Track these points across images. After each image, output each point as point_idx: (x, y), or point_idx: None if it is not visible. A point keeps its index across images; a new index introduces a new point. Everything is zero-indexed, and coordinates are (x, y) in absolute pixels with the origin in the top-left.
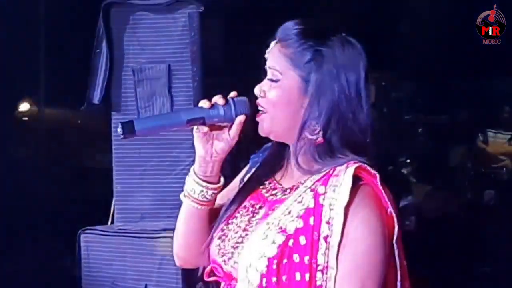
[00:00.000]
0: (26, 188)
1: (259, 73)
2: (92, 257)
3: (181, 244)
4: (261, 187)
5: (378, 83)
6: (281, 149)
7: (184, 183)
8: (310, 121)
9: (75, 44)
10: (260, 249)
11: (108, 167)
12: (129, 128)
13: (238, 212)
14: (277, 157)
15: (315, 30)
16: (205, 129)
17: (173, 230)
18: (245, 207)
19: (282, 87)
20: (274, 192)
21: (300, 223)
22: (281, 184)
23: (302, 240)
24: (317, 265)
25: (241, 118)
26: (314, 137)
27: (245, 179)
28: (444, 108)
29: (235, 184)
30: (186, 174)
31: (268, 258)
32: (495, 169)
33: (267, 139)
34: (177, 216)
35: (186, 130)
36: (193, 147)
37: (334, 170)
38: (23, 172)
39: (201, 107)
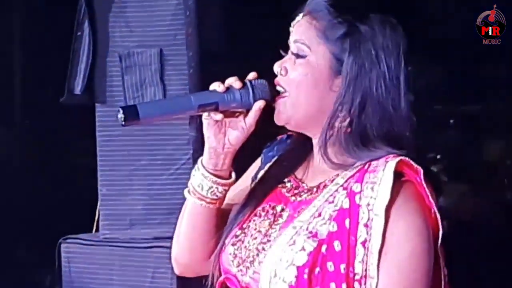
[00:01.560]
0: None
1: (266, 58)
2: (74, 269)
3: (184, 248)
4: (280, 185)
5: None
6: (302, 141)
7: (180, 184)
8: (342, 106)
9: (53, 27)
10: (288, 256)
11: (92, 166)
12: (131, 114)
13: (255, 215)
14: (297, 151)
15: (351, 5)
16: (219, 116)
17: (167, 238)
18: (263, 209)
19: (309, 64)
20: (296, 191)
21: (333, 226)
22: (304, 183)
23: (337, 245)
24: (355, 274)
25: (260, 104)
26: (344, 125)
27: (259, 176)
28: (479, 97)
29: (245, 182)
30: (182, 174)
31: (298, 267)
32: None
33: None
34: (176, 218)
35: (181, 123)
36: (189, 143)
37: (369, 165)
38: None
39: (214, 91)
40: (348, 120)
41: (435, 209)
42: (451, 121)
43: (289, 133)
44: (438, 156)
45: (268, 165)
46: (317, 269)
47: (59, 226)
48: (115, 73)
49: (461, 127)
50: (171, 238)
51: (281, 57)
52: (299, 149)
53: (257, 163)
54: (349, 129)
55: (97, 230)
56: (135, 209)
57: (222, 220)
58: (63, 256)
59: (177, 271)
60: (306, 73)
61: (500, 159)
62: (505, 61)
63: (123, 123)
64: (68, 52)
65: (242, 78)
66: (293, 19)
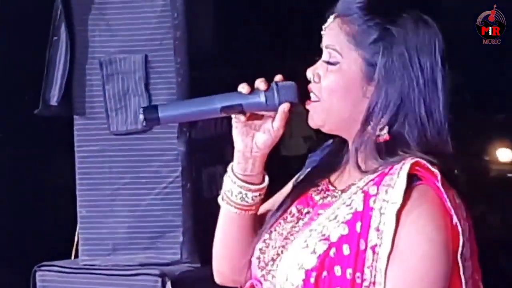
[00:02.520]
0: None
1: (262, 63)
2: None
3: (221, 257)
4: (313, 189)
5: None
6: (342, 146)
7: (167, 204)
8: (375, 113)
9: (26, 31)
10: (299, 259)
11: (70, 185)
12: (151, 114)
13: (283, 219)
14: (335, 155)
15: (383, 5)
16: (242, 118)
17: (153, 265)
18: (290, 212)
19: (341, 72)
20: (325, 194)
21: (344, 230)
22: (334, 186)
23: (346, 249)
24: (363, 280)
25: (284, 107)
26: (378, 132)
27: (299, 180)
28: (501, 107)
29: (286, 188)
30: (170, 194)
31: (306, 271)
32: None
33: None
34: (162, 243)
35: (169, 137)
36: (177, 159)
37: (391, 169)
38: None
39: (240, 93)
40: (380, 127)
41: (453, 215)
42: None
43: (334, 138)
44: (456, 171)
45: (308, 169)
46: (324, 273)
47: (34, 252)
48: (95, 82)
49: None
50: (157, 264)
51: (275, 59)
52: (337, 153)
53: (302, 171)
54: (381, 137)
55: (76, 256)
56: (118, 232)
57: (260, 227)
58: (38, 285)
59: (217, 280)
60: (338, 81)
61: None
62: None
63: (144, 124)
64: (44, 59)
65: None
66: (325, 20)
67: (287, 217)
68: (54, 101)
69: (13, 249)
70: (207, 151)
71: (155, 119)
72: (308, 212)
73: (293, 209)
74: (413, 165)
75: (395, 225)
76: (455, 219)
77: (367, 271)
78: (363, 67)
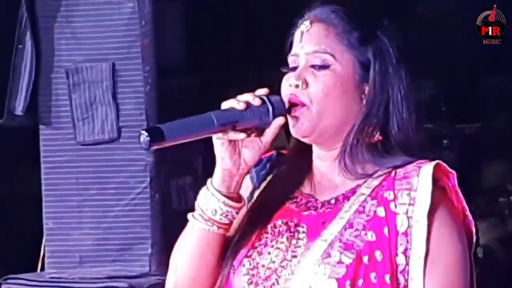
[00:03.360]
0: None
1: (231, 72)
2: None
3: (187, 279)
4: (288, 202)
5: None
6: (300, 157)
7: (135, 216)
8: (370, 115)
9: None
10: (324, 270)
11: (36, 197)
12: (156, 135)
13: (266, 233)
14: (297, 167)
15: (364, 11)
16: (242, 135)
17: (121, 277)
18: (275, 225)
19: (336, 74)
20: (309, 205)
21: (372, 236)
22: (314, 197)
23: (379, 255)
24: (399, 285)
25: (279, 121)
26: (370, 134)
27: (255, 196)
28: (476, 114)
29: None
30: (138, 205)
31: (338, 279)
32: None
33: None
34: (130, 255)
35: (136, 147)
36: (146, 170)
37: (395, 173)
38: None
39: (233, 108)
40: (373, 128)
41: (468, 213)
42: (445, 141)
43: (279, 151)
44: None
45: (264, 183)
46: (361, 281)
47: None
48: (61, 91)
49: (457, 148)
50: (125, 277)
51: (252, 68)
52: (299, 165)
53: (247, 183)
54: (374, 138)
55: (42, 269)
56: (85, 244)
57: (228, 246)
58: None
59: None
60: (334, 83)
61: (502, 184)
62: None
63: (148, 146)
64: (8, 68)
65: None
66: (293, 29)
67: (272, 231)
68: (19, 111)
69: None
70: (176, 162)
71: (161, 140)
72: (297, 225)
73: (276, 222)
74: (435, 168)
75: (426, 228)
76: (470, 218)
77: (400, 276)
78: (356, 68)
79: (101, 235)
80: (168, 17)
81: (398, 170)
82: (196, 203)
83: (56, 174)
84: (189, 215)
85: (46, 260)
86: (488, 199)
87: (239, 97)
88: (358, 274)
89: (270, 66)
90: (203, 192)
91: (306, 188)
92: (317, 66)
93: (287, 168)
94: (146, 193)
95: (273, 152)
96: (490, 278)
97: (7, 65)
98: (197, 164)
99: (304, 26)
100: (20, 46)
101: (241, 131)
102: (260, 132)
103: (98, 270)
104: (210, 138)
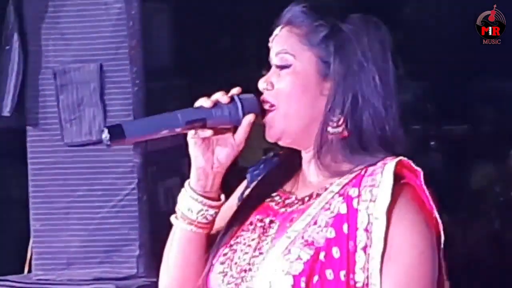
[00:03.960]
0: None
1: (218, 74)
2: None
3: (175, 279)
4: (268, 200)
5: None
6: (290, 158)
7: (123, 217)
8: (334, 109)
9: None
10: (283, 266)
11: (23, 198)
12: (117, 133)
13: (243, 230)
14: (285, 167)
15: (330, 6)
16: (209, 132)
17: (108, 279)
18: (251, 223)
19: (296, 72)
20: (287, 202)
21: (331, 233)
22: (293, 195)
23: (336, 252)
24: (356, 282)
25: (250, 118)
26: (338, 130)
27: (245, 194)
28: (463, 116)
29: (232, 203)
30: (126, 206)
31: (294, 276)
32: None
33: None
34: (118, 256)
35: (124, 148)
36: (133, 171)
37: (366, 170)
38: None
39: (201, 107)
40: (341, 124)
41: (436, 213)
42: (432, 143)
43: (277, 152)
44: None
45: (253, 183)
46: (316, 277)
47: None
48: (48, 92)
49: (443, 150)
50: (113, 279)
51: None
52: (287, 165)
53: (243, 184)
54: (343, 134)
55: (29, 271)
56: (72, 246)
57: (212, 246)
58: None
59: None
60: (294, 81)
61: (487, 186)
62: (493, 76)
63: (109, 143)
64: None
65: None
66: (271, 35)
67: (248, 228)
68: (6, 112)
69: None
70: (163, 163)
71: (121, 137)
72: (272, 222)
73: (253, 220)
74: (398, 164)
75: (386, 224)
76: (435, 214)
77: (359, 272)
78: (317, 65)
79: (88, 236)
80: (156, 18)
81: (369, 168)
82: (177, 204)
83: (43, 176)
84: (172, 217)
85: (33, 262)
86: (475, 200)
87: (213, 96)
88: (314, 270)
89: (257, 67)
90: (181, 193)
91: (288, 187)
92: (280, 66)
93: (275, 168)
94: (133, 194)
95: (270, 154)
96: (479, 278)
97: None
98: (185, 166)
99: (276, 30)
100: (7, 47)
101: (213, 129)
102: (234, 131)
103: (86, 272)
104: None
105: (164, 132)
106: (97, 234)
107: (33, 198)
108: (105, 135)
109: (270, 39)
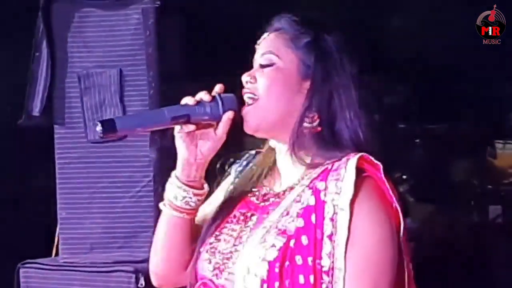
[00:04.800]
0: None
1: (226, 78)
2: None
3: (162, 260)
4: (250, 194)
5: (368, 86)
6: (268, 153)
7: (140, 206)
8: (311, 106)
9: (10, 47)
10: (259, 253)
11: (51, 190)
12: (109, 126)
13: (227, 222)
14: (264, 162)
15: (315, 20)
16: (192, 127)
17: (127, 262)
18: (234, 216)
19: (278, 69)
20: (265, 197)
21: (300, 223)
22: (272, 189)
23: (304, 240)
24: (322, 266)
25: (229, 115)
26: (313, 125)
27: (229, 189)
28: (445, 116)
29: (217, 197)
30: (143, 197)
31: (269, 262)
32: (506, 186)
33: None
34: (136, 242)
35: (142, 145)
36: (150, 165)
37: (332, 165)
38: None
39: (186, 104)
40: (316, 121)
41: (395, 203)
42: (417, 140)
43: (257, 149)
44: (404, 176)
45: (237, 179)
46: (287, 263)
47: (17, 251)
48: (73, 94)
49: (427, 147)
50: (132, 262)
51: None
52: (266, 160)
53: (228, 179)
54: (317, 130)
55: (56, 254)
56: (95, 232)
57: (197, 232)
58: (22, 281)
59: (155, 283)
60: (276, 77)
61: (467, 179)
62: (474, 79)
63: (102, 135)
64: (26, 74)
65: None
66: (259, 39)
67: (231, 221)
68: (36, 112)
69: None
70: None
71: (113, 131)
72: (253, 215)
73: (236, 213)
74: (359, 159)
75: (349, 214)
76: (395, 205)
77: (325, 258)
78: (298, 65)
79: (109, 224)
80: (170, 28)
81: (335, 163)
82: (165, 192)
83: (69, 169)
84: (160, 204)
85: (60, 247)
86: (456, 192)
87: (197, 95)
88: (286, 256)
89: None
90: (168, 182)
91: (267, 181)
92: (264, 65)
93: (256, 164)
94: (150, 186)
95: (253, 151)
96: (460, 264)
97: (25, 71)
98: None
99: (265, 35)
100: (37, 53)
101: (196, 125)
102: (216, 126)
103: (107, 255)
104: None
105: (152, 127)
106: (117, 221)
107: (60, 190)
108: (99, 127)
109: (258, 42)
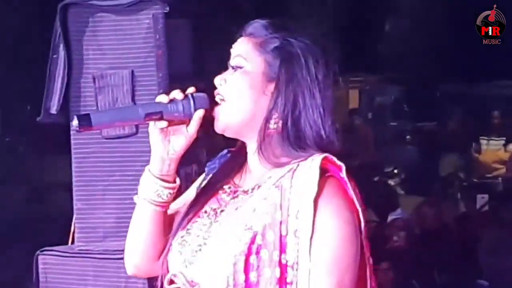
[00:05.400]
0: None
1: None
2: (51, 280)
3: (135, 250)
4: (221, 191)
5: (362, 87)
6: (239, 152)
7: None
8: (276, 108)
9: (30, 51)
10: (227, 248)
11: (68, 182)
12: (85, 121)
13: (198, 217)
14: (235, 160)
15: (286, 26)
16: (164, 124)
17: None
18: (205, 211)
19: (246, 72)
20: (235, 194)
21: (267, 219)
22: (241, 187)
23: (270, 235)
24: (287, 261)
25: (200, 113)
26: (278, 126)
27: (202, 185)
28: (433, 114)
29: (191, 192)
30: None
31: (235, 255)
32: (489, 179)
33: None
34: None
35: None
36: None
37: (298, 165)
38: None
39: (160, 102)
40: (281, 121)
41: (356, 201)
42: (408, 137)
43: (230, 148)
44: (395, 170)
45: (210, 176)
46: (253, 257)
47: (36, 239)
48: (89, 93)
49: (417, 143)
50: None
51: None
52: (236, 158)
53: (201, 177)
54: (282, 130)
55: (72, 242)
56: (108, 222)
57: (169, 225)
58: (40, 267)
59: (129, 272)
60: (243, 79)
61: (454, 172)
62: (459, 80)
63: (78, 128)
64: (45, 74)
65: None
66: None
67: (203, 216)
68: (53, 110)
69: (19, 236)
70: (184, 153)
71: (88, 125)
72: (222, 211)
73: (207, 208)
74: (322, 160)
75: (313, 211)
76: (357, 204)
77: (290, 253)
78: (264, 68)
79: (121, 214)
80: (178, 32)
81: (301, 163)
82: (139, 185)
83: (84, 163)
84: (135, 196)
85: (75, 235)
86: (443, 184)
87: (171, 93)
88: (252, 251)
89: None
90: (142, 175)
91: (237, 179)
92: (234, 67)
93: (228, 162)
94: None
95: (225, 150)
96: (448, 252)
97: (43, 72)
98: (202, 155)
99: (238, 39)
100: (55, 56)
101: (169, 122)
102: (188, 124)
103: (119, 243)
104: (216, 136)
105: (127, 122)
106: (129, 212)
107: (76, 182)
108: (75, 122)
109: (233, 46)
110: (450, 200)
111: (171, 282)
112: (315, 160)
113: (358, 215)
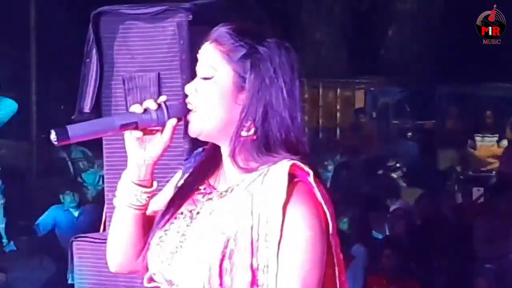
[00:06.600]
0: (22, 195)
1: None
2: (85, 264)
3: (116, 250)
4: (196, 192)
5: (367, 88)
6: (215, 152)
7: None
8: (247, 117)
9: (64, 55)
10: (200, 252)
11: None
12: (62, 134)
13: (175, 218)
14: (210, 161)
15: (251, 31)
16: (139, 134)
17: None
18: (182, 213)
19: (215, 82)
20: (210, 196)
21: (239, 224)
22: (215, 188)
23: (242, 240)
24: (258, 264)
25: (173, 122)
26: (249, 133)
27: (179, 185)
28: (433, 113)
29: (168, 191)
30: None
31: (210, 261)
32: (484, 172)
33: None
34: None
35: (177, 137)
36: (183, 154)
37: (268, 171)
38: (14, 180)
39: (134, 112)
40: (252, 129)
41: (324, 205)
42: (409, 134)
43: (205, 146)
44: (398, 164)
45: (186, 175)
46: (226, 261)
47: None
48: (119, 94)
49: (417, 139)
50: None
51: None
52: (212, 158)
53: (178, 174)
54: (254, 137)
55: (104, 230)
56: None
57: (148, 225)
58: (75, 252)
59: (112, 269)
60: (213, 90)
61: (451, 167)
62: (456, 81)
63: (56, 142)
64: (79, 77)
65: None
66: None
67: (178, 217)
68: (87, 109)
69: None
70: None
71: (65, 138)
72: (198, 213)
73: (183, 209)
74: (291, 166)
75: (281, 217)
76: (325, 207)
77: (260, 257)
78: (234, 78)
79: None
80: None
81: (271, 168)
82: (117, 190)
83: (114, 157)
84: (114, 199)
85: (107, 223)
86: (442, 178)
87: (144, 103)
88: (225, 256)
89: None
90: (120, 180)
91: (212, 180)
92: (203, 77)
93: (203, 161)
94: None
95: (200, 149)
96: (445, 240)
97: (78, 75)
98: None
99: (205, 45)
100: (88, 60)
101: (144, 130)
102: (162, 131)
103: None
104: None
105: (103, 133)
106: None
107: (107, 175)
108: (53, 136)
109: (199, 51)
110: (448, 192)
111: (151, 280)
112: (284, 166)
113: (326, 218)
